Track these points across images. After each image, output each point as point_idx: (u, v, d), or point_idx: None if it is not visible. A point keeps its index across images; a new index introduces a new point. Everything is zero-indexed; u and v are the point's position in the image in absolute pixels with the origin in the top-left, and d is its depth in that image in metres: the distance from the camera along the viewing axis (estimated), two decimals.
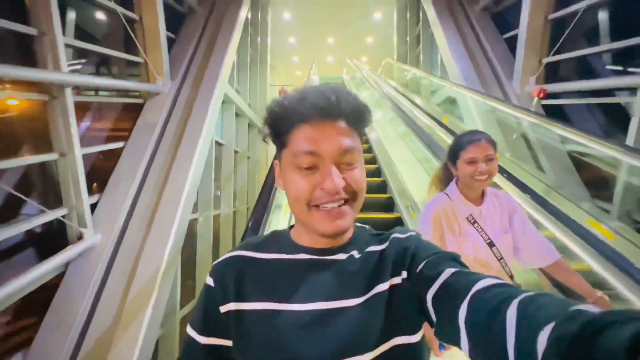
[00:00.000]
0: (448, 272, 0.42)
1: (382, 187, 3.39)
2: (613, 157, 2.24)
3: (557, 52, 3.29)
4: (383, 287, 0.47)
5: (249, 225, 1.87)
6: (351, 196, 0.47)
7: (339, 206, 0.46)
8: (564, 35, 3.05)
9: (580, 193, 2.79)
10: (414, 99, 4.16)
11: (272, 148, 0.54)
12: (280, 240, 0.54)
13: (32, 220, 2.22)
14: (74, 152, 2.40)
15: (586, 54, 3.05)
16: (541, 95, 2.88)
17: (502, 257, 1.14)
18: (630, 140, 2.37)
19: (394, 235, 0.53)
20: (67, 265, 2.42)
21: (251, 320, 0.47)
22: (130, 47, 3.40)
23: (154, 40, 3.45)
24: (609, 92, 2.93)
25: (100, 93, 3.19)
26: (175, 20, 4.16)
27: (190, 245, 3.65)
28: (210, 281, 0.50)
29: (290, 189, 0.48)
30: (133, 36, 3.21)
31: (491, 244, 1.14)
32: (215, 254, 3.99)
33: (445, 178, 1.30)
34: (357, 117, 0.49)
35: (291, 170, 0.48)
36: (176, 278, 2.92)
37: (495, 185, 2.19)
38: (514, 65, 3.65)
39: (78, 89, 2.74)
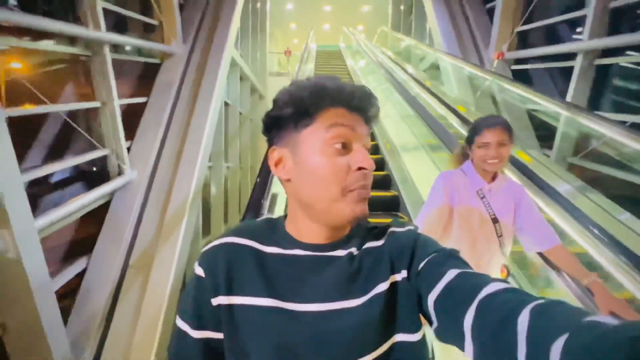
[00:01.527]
0: (451, 273, 0.42)
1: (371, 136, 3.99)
2: (555, 111, 2.81)
3: (526, 22, 3.75)
4: (383, 286, 0.46)
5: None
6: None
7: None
8: (531, 6, 3.50)
9: (531, 142, 3.39)
10: (405, 67, 4.60)
11: None
12: (277, 232, 0.52)
13: (84, 155, 2.75)
14: (112, 101, 2.89)
15: (550, 23, 3.52)
16: (499, 57, 3.38)
17: (502, 235, 1.21)
18: (569, 97, 2.93)
19: (391, 229, 0.52)
20: (112, 194, 2.99)
21: (246, 315, 0.45)
22: (145, 12, 3.76)
23: (168, 4, 3.80)
24: (570, 57, 3.44)
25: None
26: None
27: (206, 190, 4.24)
28: (199, 271, 0.47)
29: (321, 171, 0.45)
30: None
31: (495, 220, 1.20)
32: (225, 200, 4.59)
33: (463, 160, 1.35)
34: (373, 119, 0.50)
35: (320, 150, 0.45)
36: (199, 211, 3.52)
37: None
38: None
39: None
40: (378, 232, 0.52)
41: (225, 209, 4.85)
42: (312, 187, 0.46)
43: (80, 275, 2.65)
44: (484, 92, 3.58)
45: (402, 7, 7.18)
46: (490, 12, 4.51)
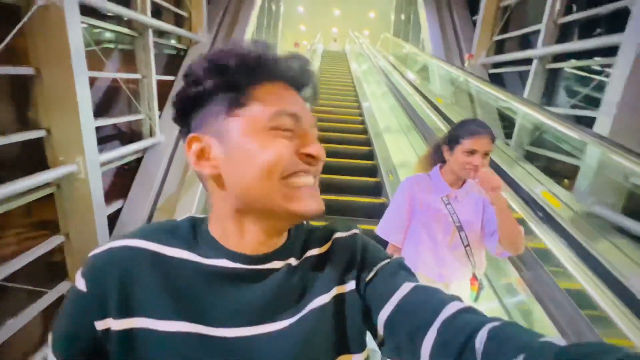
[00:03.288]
0: (405, 287, 0.39)
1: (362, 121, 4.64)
2: (513, 106, 3.43)
3: (502, 32, 4.41)
4: (323, 299, 0.41)
5: None
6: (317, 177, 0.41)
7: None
8: (504, 18, 4.16)
9: (497, 132, 4.01)
10: (402, 70, 5.27)
11: None
12: (198, 236, 0.41)
13: (126, 117, 3.37)
14: (151, 75, 3.51)
15: (517, 34, 4.17)
16: (469, 58, 4.03)
17: (468, 244, 1.17)
18: (525, 94, 3.56)
19: (335, 236, 0.46)
20: (144, 151, 3.60)
21: (150, 343, 0.36)
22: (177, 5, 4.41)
23: None
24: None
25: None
26: None
27: None
28: (81, 284, 0.36)
29: (262, 156, 0.36)
30: None
31: (460, 228, 1.17)
32: None
33: (433, 160, 1.30)
34: (310, 97, 0.44)
35: (261, 133, 0.37)
36: None
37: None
38: None
39: None
40: (320, 236, 0.47)
41: None
42: (251, 181, 0.37)
43: (117, 213, 3.26)
44: (461, 88, 4.21)
45: (402, 17, 7.87)
46: (475, 23, 5.17)
